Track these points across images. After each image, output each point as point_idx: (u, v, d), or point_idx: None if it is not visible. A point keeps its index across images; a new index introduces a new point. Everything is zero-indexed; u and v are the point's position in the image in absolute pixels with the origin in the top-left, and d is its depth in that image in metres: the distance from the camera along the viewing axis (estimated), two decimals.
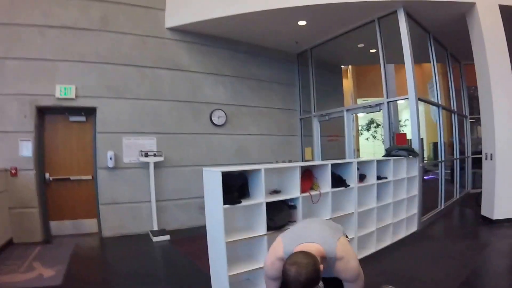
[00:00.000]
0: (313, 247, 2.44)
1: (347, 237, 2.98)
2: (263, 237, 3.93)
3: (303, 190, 4.36)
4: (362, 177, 5.58)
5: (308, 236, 2.59)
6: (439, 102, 8.79)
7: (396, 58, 7.85)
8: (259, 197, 3.94)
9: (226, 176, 3.65)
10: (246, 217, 4.22)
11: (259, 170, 3.90)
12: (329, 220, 3.65)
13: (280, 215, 4.10)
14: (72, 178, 7.08)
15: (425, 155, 7.75)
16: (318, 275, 2.28)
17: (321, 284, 2.85)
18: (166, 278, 4.86)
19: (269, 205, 3.98)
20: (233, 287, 3.74)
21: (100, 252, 6.37)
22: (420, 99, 7.40)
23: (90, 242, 6.80)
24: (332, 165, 4.78)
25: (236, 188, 3.90)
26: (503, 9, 7.11)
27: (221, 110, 8.50)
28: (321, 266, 2.34)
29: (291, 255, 2.38)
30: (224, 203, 3.62)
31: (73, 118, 7.11)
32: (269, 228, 3.95)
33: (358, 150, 10.55)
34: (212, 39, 8.49)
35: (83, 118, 7.17)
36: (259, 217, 3.97)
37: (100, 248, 6.56)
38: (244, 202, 3.84)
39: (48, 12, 6.74)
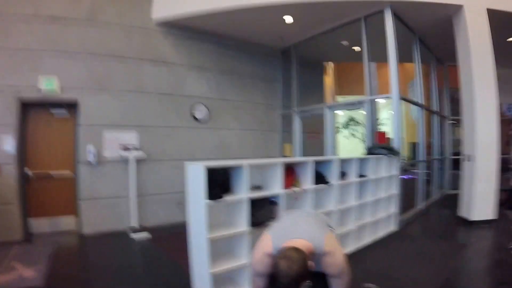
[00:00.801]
0: (301, 243, 2.47)
1: (331, 227, 2.99)
2: (245, 233, 3.94)
3: (285, 187, 4.36)
4: (343, 175, 5.60)
5: (296, 231, 2.61)
6: (421, 102, 8.89)
7: (379, 56, 7.91)
8: (242, 193, 3.93)
9: (209, 171, 3.61)
10: (227, 213, 4.21)
11: (242, 165, 3.90)
12: (315, 212, 3.64)
13: (262, 211, 4.11)
14: (52, 173, 6.93)
15: (403, 154, 7.84)
16: (308, 270, 2.32)
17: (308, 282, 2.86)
18: (146, 276, 4.80)
19: (251, 201, 3.98)
20: (214, 284, 3.72)
21: (80, 251, 6.27)
22: (403, 99, 7.47)
23: (70, 240, 6.68)
24: (314, 162, 4.79)
25: (218, 183, 3.87)
26: (491, 13, 7.22)
27: (202, 104, 8.45)
28: (310, 263, 2.36)
29: (282, 250, 2.41)
30: (207, 198, 3.59)
31: (55, 112, 6.95)
32: (251, 224, 3.94)
33: (337, 148, 10.58)
34: (197, 32, 8.43)
35: (65, 112, 7.02)
36: (241, 213, 3.97)
37: (80, 246, 6.47)
38: (227, 198, 3.83)
39: (37, 2, 6.60)
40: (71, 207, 7.02)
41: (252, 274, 2.78)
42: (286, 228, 2.73)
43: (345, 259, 2.67)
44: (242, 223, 3.97)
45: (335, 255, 2.60)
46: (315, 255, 2.52)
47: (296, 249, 2.36)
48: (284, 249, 2.40)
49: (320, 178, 5.02)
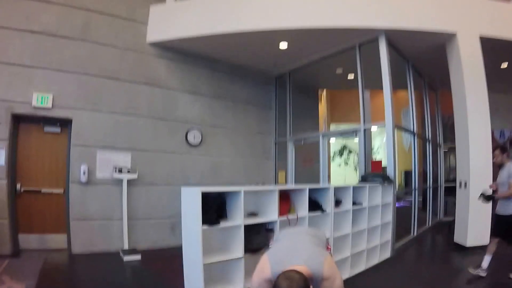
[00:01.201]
0: (301, 269, 2.45)
1: (328, 243, 3.02)
2: (241, 259, 3.91)
3: (280, 213, 4.34)
4: (337, 203, 5.59)
5: (294, 257, 2.60)
6: (414, 130, 8.96)
7: (373, 84, 8.03)
8: (238, 219, 3.92)
9: (204, 196, 3.60)
10: (222, 239, 4.18)
11: (238, 191, 3.89)
12: (313, 230, 3.57)
13: (257, 238, 4.09)
14: (43, 190, 6.83)
15: (397, 182, 7.88)
16: None
17: None
18: None
19: (247, 227, 3.95)
20: None
21: (70, 269, 6.14)
22: (397, 127, 7.54)
23: (60, 258, 6.54)
24: (309, 189, 4.80)
25: (214, 208, 3.85)
26: (484, 40, 7.38)
27: (197, 129, 8.46)
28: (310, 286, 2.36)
29: (284, 271, 2.40)
30: (203, 223, 3.57)
31: (48, 129, 6.89)
32: (246, 250, 3.92)
33: (330, 176, 10.62)
34: (192, 56, 8.49)
35: (58, 129, 6.96)
36: (237, 240, 3.95)
37: (69, 265, 6.34)
38: (223, 224, 3.81)
39: (30, 16, 6.57)
40: (61, 225, 6.92)
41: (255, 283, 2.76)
42: (284, 253, 2.70)
43: (343, 283, 2.68)
44: (237, 249, 3.94)
45: (334, 280, 2.60)
46: (313, 280, 2.51)
47: (297, 271, 2.36)
48: (286, 271, 2.40)
49: (315, 206, 5.02)
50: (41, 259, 6.08)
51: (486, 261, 5.43)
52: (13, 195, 6.50)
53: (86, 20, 7.13)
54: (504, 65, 9.49)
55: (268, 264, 2.63)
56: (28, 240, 6.65)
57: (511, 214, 5.23)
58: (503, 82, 10.62)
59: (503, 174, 5.36)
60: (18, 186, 6.61)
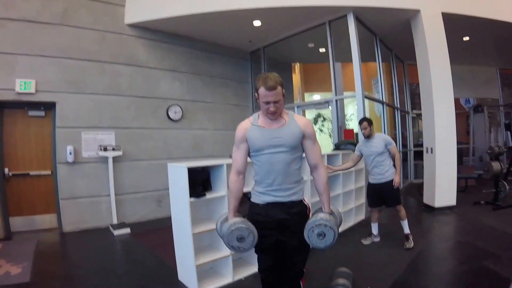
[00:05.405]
0: None
1: None
2: None
3: None
4: None
5: None
6: (384, 99, 9.37)
7: (344, 56, 8.35)
8: (222, 190, 4.24)
9: (190, 171, 3.90)
10: (208, 210, 4.51)
11: (221, 165, 4.21)
12: None
13: (241, 206, 4.39)
14: (31, 173, 7.02)
15: None
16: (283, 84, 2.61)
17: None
18: (131, 270, 4.92)
19: None
20: (198, 276, 4.01)
21: (63, 248, 6.35)
22: (366, 97, 7.90)
23: (52, 237, 6.77)
24: None
25: (199, 182, 4.17)
26: (446, 16, 7.76)
27: (177, 105, 8.70)
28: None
29: None
30: (190, 196, 3.89)
31: (32, 113, 7.04)
32: None
33: None
34: (170, 36, 8.67)
35: (42, 113, 7.13)
36: (222, 209, 4.23)
37: (62, 243, 6.54)
38: (208, 195, 4.13)
39: (9, 4, 6.61)
40: (51, 205, 7.16)
41: (234, 146, 2.92)
42: None
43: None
44: None
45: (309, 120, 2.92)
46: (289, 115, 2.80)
47: None
48: None
49: None
50: (34, 240, 6.26)
51: (374, 228, 5.95)
52: (1, 179, 6.66)
53: (65, 6, 7.19)
54: (466, 38, 9.94)
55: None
56: (20, 223, 6.88)
57: (390, 181, 5.62)
58: (465, 54, 11.16)
59: (378, 144, 5.57)
60: (6, 170, 6.75)
